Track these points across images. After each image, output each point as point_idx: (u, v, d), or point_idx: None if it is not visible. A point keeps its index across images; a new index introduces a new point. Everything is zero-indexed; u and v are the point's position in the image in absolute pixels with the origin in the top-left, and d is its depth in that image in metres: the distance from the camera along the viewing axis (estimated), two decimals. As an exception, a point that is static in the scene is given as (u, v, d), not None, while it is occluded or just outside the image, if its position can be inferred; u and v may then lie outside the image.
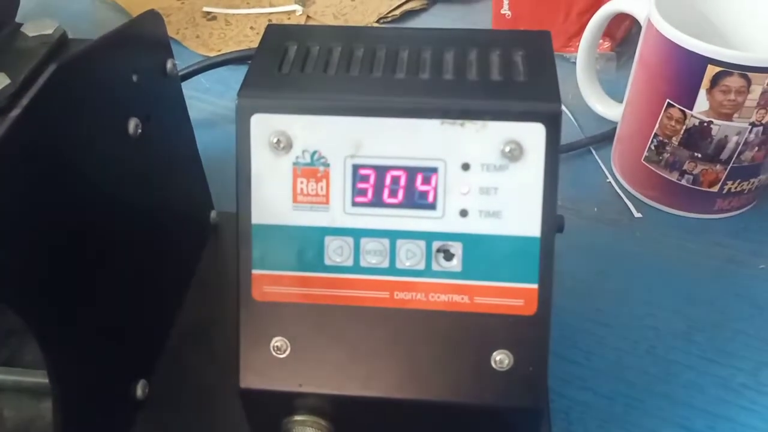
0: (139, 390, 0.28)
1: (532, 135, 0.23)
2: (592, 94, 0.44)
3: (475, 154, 0.23)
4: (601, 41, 0.49)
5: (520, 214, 0.24)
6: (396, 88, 0.24)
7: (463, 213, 0.24)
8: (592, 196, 0.41)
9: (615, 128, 0.42)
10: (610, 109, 0.43)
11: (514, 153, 0.23)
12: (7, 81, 0.26)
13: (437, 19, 0.56)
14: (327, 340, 0.24)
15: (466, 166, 0.24)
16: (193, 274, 0.34)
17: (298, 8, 0.55)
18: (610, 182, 0.42)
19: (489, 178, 0.24)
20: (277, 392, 0.25)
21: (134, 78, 0.27)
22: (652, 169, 0.39)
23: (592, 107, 0.44)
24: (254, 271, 0.24)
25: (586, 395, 0.32)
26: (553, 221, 0.24)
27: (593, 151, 0.44)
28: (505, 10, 0.51)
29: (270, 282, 0.24)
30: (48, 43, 0.29)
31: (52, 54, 0.29)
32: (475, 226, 0.24)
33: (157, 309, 0.31)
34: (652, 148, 0.38)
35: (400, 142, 0.24)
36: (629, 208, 0.40)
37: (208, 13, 0.55)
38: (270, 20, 0.54)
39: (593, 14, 0.42)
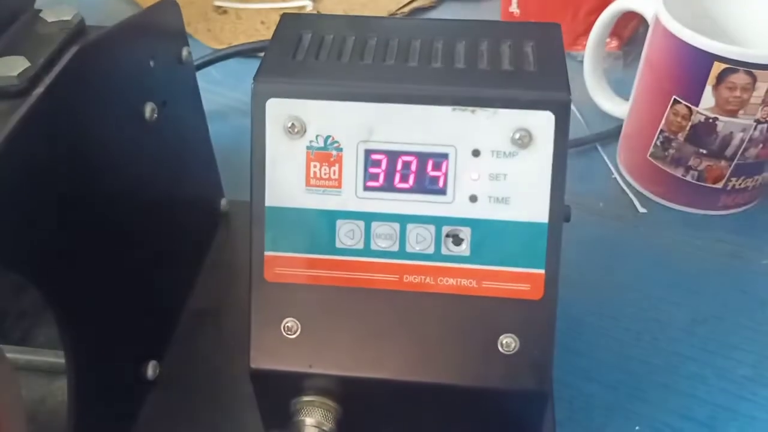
0: (150, 370, 0.29)
1: (542, 123, 0.24)
2: (598, 92, 0.44)
3: (485, 141, 0.24)
4: (608, 40, 0.49)
5: (528, 200, 0.24)
6: (408, 75, 0.25)
7: (473, 198, 0.24)
8: (597, 192, 0.42)
9: (621, 125, 0.43)
10: (616, 107, 0.44)
11: (524, 140, 0.24)
12: (27, 64, 0.27)
13: (445, 16, 0.56)
14: (337, 322, 0.25)
15: (476, 153, 0.24)
16: (203, 259, 0.34)
17: (308, 4, 0.56)
18: (615, 178, 0.42)
19: (499, 165, 0.24)
20: (287, 372, 0.25)
21: (151, 64, 0.28)
22: (658, 165, 0.39)
23: (599, 104, 0.45)
24: (267, 253, 0.25)
25: (590, 385, 0.32)
26: (561, 208, 0.24)
27: (599, 148, 0.44)
28: (514, 8, 0.51)
29: (282, 264, 0.25)
30: (67, 29, 0.29)
31: (70, 39, 0.29)
32: (484, 211, 0.24)
33: (168, 292, 0.32)
34: (658, 144, 0.38)
35: (411, 128, 0.24)
36: (634, 204, 0.41)
37: (220, 7, 0.55)
38: (280, 15, 0.55)
39: (600, 14, 0.42)
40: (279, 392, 0.26)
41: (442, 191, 0.24)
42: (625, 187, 0.42)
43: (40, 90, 0.21)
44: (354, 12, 0.56)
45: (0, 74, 0.26)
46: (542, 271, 0.24)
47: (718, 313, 0.35)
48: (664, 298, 0.36)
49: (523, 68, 0.25)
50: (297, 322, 0.25)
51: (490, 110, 0.24)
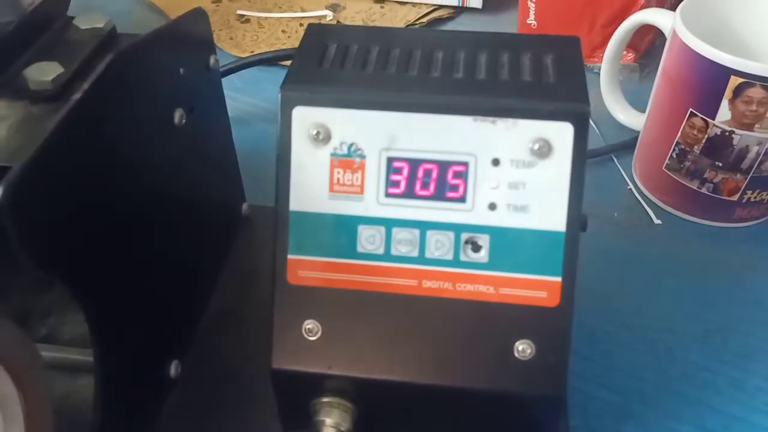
0: (173, 369, 0.30)
1: (561, 134, 0.24)
2: (614, 104, 0.45)
3: (505, 151, 0.25)
4: (624, 52, 0.50)
5: (546, 209, 0.25)
6: (431, 85, 0.25)
7: (492, 206, 0.25)
8: (613, 203, 0.42)
9: (636, 137, 0.43)
10: (632, 118, 0.44)
11: (543, 150, 0.24)
12: (61, 70, 0.28)
13: (463, 27, 0.57)
14: (356, 325, 0.26)
15: (496, 162, 0.25)
16: (225, 262, 0.35)
17: (329, 14, 0.57)
18: (630, 189, 0.43)
19: (518, 174, 0.25)
20: (307, 373, 0.26)
21: (181, 71, 0.29)
22: (673, 176, 0.39)
23: (615, 116, 0.45)
24: (290, 256, 0.26)
25: (604, 392, 0.32)
26: (578, 217, 0.25)
27: (615, 159, 0.45)
28: (531, 20, 0.52)
29: (304, 267, 0.26)
30: (99, 36, 0.31)
31: (102, 46, 0.30)
32: (502, 219, 0.25)
33: (190, 293, 0.32)
34: (674, 156, 0.39)
35: (433, 137, 0.25)
36: (649, 215, 0.41)
37: (242, 16, 0.56)
38: (301, 24, 0.56)
39: (617, 26, 0.43)
40: (298, 392, 0.27)
41: (462, 199, 0.25)
42: (640, 199, 0.42)
43: (77, 96, 0.21)
44: (373, 22, 0.56)
45: (35, 79, 0.27)
46: (559, 279, 0.25)
47: (731, 324, 0.35)
48: (678, 308, 0.36)
49: (542, 80, 0.25)
50: (318, 324, 0.26)
51: (510, 120, 0.24)
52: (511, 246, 0.25)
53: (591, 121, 0.47)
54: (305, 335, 0.26)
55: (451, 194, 0.25)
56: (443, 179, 0.25)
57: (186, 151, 0.30)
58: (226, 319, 0.33)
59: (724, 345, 0.34)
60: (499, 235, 0.25)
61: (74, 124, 0.21)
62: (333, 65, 0.26)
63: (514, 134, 0.24)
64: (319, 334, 0.26)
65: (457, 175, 0.25)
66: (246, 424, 0.30)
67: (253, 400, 0.30)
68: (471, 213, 0.25)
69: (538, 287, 0.25)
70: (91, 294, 0.23)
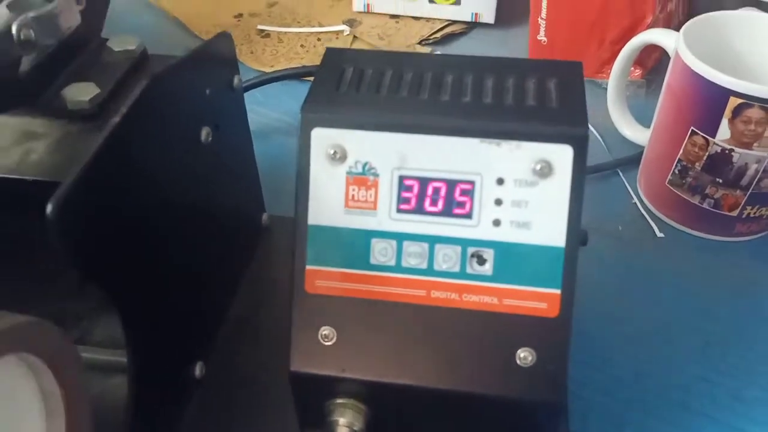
0: (197, 370, 0.32)
1: (561, 155, 0.26)
2: (621, 119, 0.46)
3: (508, 171, 0.26)
4: (632, 69, 0.51)
5: (547, 225, 0.26)
6: (440, 108, 0.27)
7: (496, 223, 0.27)
8: (617, 216, 0.44)
9: (642, 152, 0.45)
10: (637, 134, 0.46)
11: (544, 171, 0.26)
12: (97, 90, 0.30)
13: (476, 42, 0.59)
14: (369, 331, 0.27)
15: (500, 181, 0.26)
16: (245, 270, 0.37)
17: (346, 28, 0.59)
18: (635, 203, 0.44)
19: (521, 193, 0.26)
20: (323, 376, 0.28)
21: (207, 92, 0.31)
22: (676, 192, 0.41)
23: (621, 131, 0.47)
24: (308, 267, 0.27)
25: (604, 399, 0.34)
26: (577, 233, 0.26)
27: (620, 173, 0.46)
28: (541, 37, 0.53)
29: (321, 277, 0.27)
30: (131, 58, 0.33)
31: (135, 67, 0.32)
32: (506, 234, 0.27)
33: (214, 299, 0.34)
34: (676, 172, 0.40)
35: (442, 157, 0.27)
36: (652, 228, 0.42)
37: (262, 30, 0.59)
38: (319, 39, 0.58)
39: (625, 43, 0.44)
40: (314, 394, 0.29)
41: (468, 215, 0.27)
42: (643, 212, 0.43)
43: (116, 119, 0.24)
44: (389, 36, 0.58)
45: (73, 99, 0.29)
46: (558, 291, 0.26)
47: (731, 336, 0.37)
48: (679, 319, 0.37)
49: (545, 104, 0.27)
50: (333, 330, 0.27)
51: (514, 143, 0.26)
52: (514, 260, 0.27)
53: (598, 136, 0.48)
54: (321, 340, 0.27)
55: (458, 211, 0.27)
56: (451, 197, 0.27)
57: (211, 167, 0.32)
58: (247, 324, 0.35)
59: (723, 356, 0.36)
60: (502, 249, 0.27)
61: (114, 144, 0.23)
62: (349, 88, 0.28)
63: (518, 155, 0.26)
64: (334, 340, 0.27)
65: (464, 192, 0.27)
66: (263, 423, 0.32)
67: (271, 401, 0.32)
68: (477, 228, 0.27)
69: (539, 299, 0.27)
70: (126, 300, 0.25)
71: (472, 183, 0.27)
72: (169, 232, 0.29)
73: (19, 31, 0.28)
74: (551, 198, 0.26)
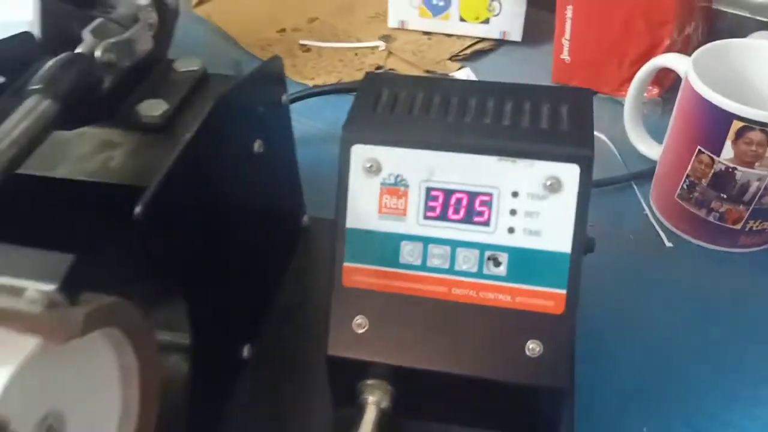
0: (245, 352, 0.36)
1: (569, 173, 0.30)
2: (636, 135, 0.50)
3: (523, 185, 0.30)
4: (650, 88, 0.55)
5: (555, 234, 0.30)
6: (464, 129, 0.31)
7: (511, 230, 0.30)
8: (629, 225, 0.47)
9: (655, 166, 0.48)
10: (651, 149, 0.49)
11: (554, 186, 0.30)
12: (167, 106, 0.34)
13: (503, 59, 0.62)
14: (397, 322, 0.31)
15: (515, 194, 0.30)
16: (288, 265, 0.42)
17: (381, 44, 0.63)
18: (646, 214, 0.47)
19: (533, 204, 0.30)
20: (355, 360, 0.32)
21: (261, 109, 0.35)
22: (684, 205, 0.44)
23: (636, 147, 0.50)
24: (345, 264, 0.32)
25: (608, 391, 0.37)
26: (582, 241, 0.30)
27: (634, 186, 0.49)
28: (565, 56, 0.57)
29: (357, 273, 0.32)
30: (194, 77, 0.37)
31: (197, 85, 0.37)
32: (519, 241, 0.30)
33: (261, 289, 0.39)
34: (684, 187, 0.43)
35: (464, 172, 0.30)
36: (662, 238, 0.46)
37: (304, 45, 0.63)
38: (356, 54, 0.62)
39: (643, 64, 0.48)
40: (347, 375, 0.33)
41: (486, 223, 0.31)
42: (654, 223, 0.47)
43: (189, 135, 0.28)
44: (421, 52, 0.62)
45: (146, 114, 0.34)
46: (564, 291, 0.30)
47: (730, 339, 0.40)
48: (682, 322, 0.41)
49: (557, 127, 0.31)
50: (366, 319, 0.31)
51: (528, 161, 0.30)
52: (525, 263, 0.30)
53: (615, 150, 0.52)
54: (355, 329, 0.32)
55: (477, 219, 0.31)
56: (471, 206, 0.31)
57: (261, 174, 0.36)
58: (288, 313, 0.39)
59: (720, 357, 0.39)
60: (516, 253, 0.30)
61: (187, 155, 0.28)
62: (385, 110, 0.32)
63: (531, 172, 0.30)
64: (366, 328, 0.31)
65: (483, 203, 0.31)
66: (301, 401, 0.36)
67: (308, 381, 0.36)
68: (493, 235, 0.31)
69: (547, 297, 0.30)
70: (192, 289, 0.30)
71: (490, 195, 0.30)
72: (228, 231, 0.33)
73: (102, 54, 0.33)
74: (559, 210, 0.30)
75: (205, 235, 0.31)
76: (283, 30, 0.65)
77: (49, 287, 0.22)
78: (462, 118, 0.32)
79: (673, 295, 0.42)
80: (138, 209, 0.25)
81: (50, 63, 0.30)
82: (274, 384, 0.37)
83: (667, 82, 0.55)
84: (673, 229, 0.46)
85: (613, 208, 0.48)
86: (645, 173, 0.49)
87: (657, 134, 0.50)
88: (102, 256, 0.33)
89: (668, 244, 0.45)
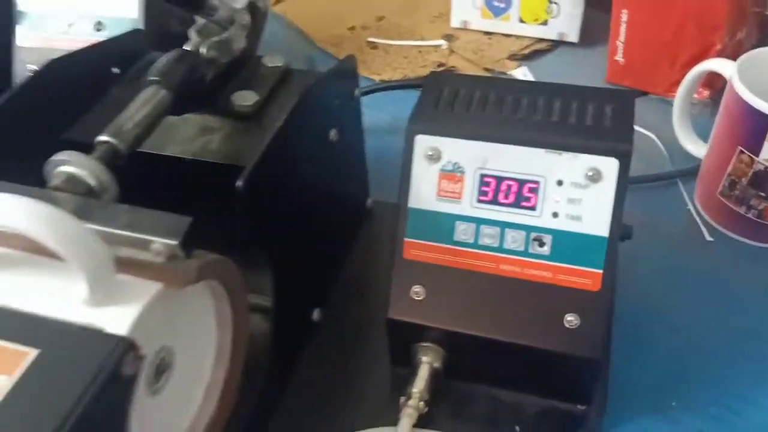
0: (316, 315, 0.41)
1: (609, 166, 0.33)
2: (684, 135, 0.52)
3: (567, 175, 0.34)
4: (701, 90, 0.57)
5: (594, 219, 0.34)
6: (516, 124, 0.35)
7: (555, 215, 0.34)
8: (673, 220, 0.50)
9: (700, 164, 0.51)
10: (698, 148, 0.52)
11: (595, 177, 0.33)
12: (257, 97, 0.40)
13: (559, 59, 0.65)
14: (450, 292, 0.36)
15: (560, 183, 0.34)
16: (353, 242, 0.46)
17: (444, 43, 0.67)
18: (689, 210, 0.50)
19: (575, 192, 0.34)
20: (412, 324, 0.36)
21: (336, 102, 0.40)
22: (725, 202, 0.47)
23: (683, 146, 0.53)
24: (406, 239, 0.36)
25: (643, 368, 0.40)
26: (618, 226, 0.34)
27: (679, 182, 0.52)
28: (619, 57, 0.60)
29: (416, 247, 0.36)
30: (279, 72, 0.42)
31: (282, 79, 0.42)
32: (562, 224, 0.34)
33: (330, 261, 0.44)
34: (726, 185, 0.46)
35: (514, 161, 0.35)
36: (703, 233, 0.48)
37: (371, 42, 0.68)
38: (420, 51, 0.66)
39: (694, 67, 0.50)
40: (404, 338, 0.37)
41: (533, 208, 0.35)
42: (697, 218, 0.49)
43: (279, 123, 0.33)
44: (482, 51, 0.66)
45: (240, 103, 0.39)
46: (601, 271, 0.34)
47: (762, 328, 0.42)
48: (718, 311, 0.43)
49: (600, 124, 0.35)
50: (423, 288, 0.36)
51: (572, 154, 0.34)
52: (567, 244, 0.34)
53: (663, 148, 0.55)
54: (413, 296, 0.36)
55: (525, 204, 0.35)
56: (520, 193, 0.35)
57: (334, 159, 0.41)
58: (353, 282, 0.44)
59: (753, 345, 0.42)
60: (559, 235, 0.34)
61: (278, 140, 0.33)
62: (446, 106, 0.37)
63: (575, 164, 0.34)
64: (423, 296, 0.36)
65: (530, 190, 0.35)
66: (363, 360, 0.41)
67: (370, 342, 0.41)
68: (539, 218, 0.35)
69: (585, 276, 0.34)
70: (277, 258, 0.35)
71: (537, 183, 0.34)
72: (306, 208, 0.38)
73: (206, 51, 0.38)
74: (599, 198, 0.34)
75: (289, 210, 0.36)
76: (352, 28, 0.70)
77: (172, 242, 0.27)
78: (514, 114, 0.36)
79: (711, 286, 0.45)
80: (239, 182, 0.30)
81: (164, 58, 0.36)
82: (339, 344, 0.41)
83: (718, 84, 0.57)
84: (715, 225, 0.48)
85: (659, 203, 0.51)
86: (690, 171, 0.52)
87: (705, 134, 0.52)
88: (203, 224, 0.38)
89: (709, 238, 0.48)
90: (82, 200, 0.29)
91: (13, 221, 0.25)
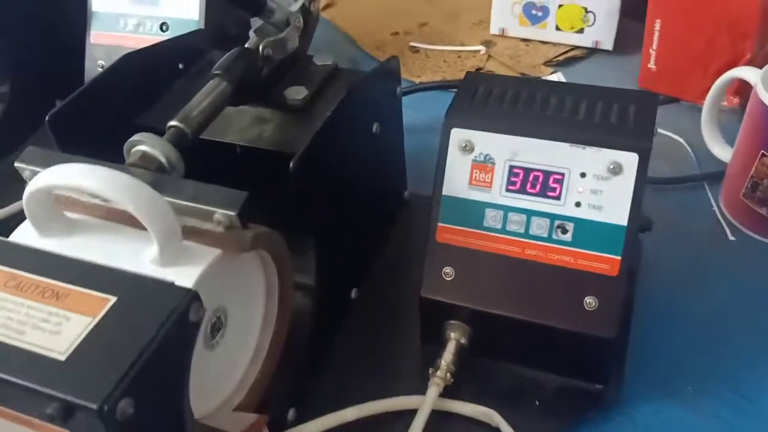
0: (354, 293, 0.44)
1: (630, 160, 0.36)
2: (711, 139, 0.54)
3: (590, 168, 0.37)
4: (731, 98, 0.59)
5: (615, 209, 0.36)
6: (544, 121, 0.38)
7: (578, 204, 0.37)
8: (699, 220, 0.52)
9: (725, 169, 0.52)
10: (724, 153, 0.53)
11: (616, 170, 0.36)
12: (307, 92, 0.43)
13: (594, 66, 0.68)
14: (479, 273, 0.39)
15: (583, 175, 0.37)
16: (391, 230, 0.50)
17: (482, 48, 0.70)
18: (714, 210, 0.52)
19: (597, 184, 0.37)
20: (443, 302, 0.39)
21: (379, 98, 0.43)
22: (748, 203, 0.49)
23: (711, 150, 0.54)
24: (440, 224, 0.39)
25: (662, 354, 0.42)
26: (637, 216, 0.36)
27: (706, 185, 0.54)
28: (651, 65, 0.62)
29: (448, 232, 0.39)
30: (328, 70, 0.46)
31: (330, 76, 0.46)
32: (584, 213, 0.37)
33: (368, 246, 0.47)
34: (749, 186, 0.48)
35: (542, 154, 0.37)
36: (726, 232, 0.50)
37: (413, 47, 0.71)
38: (459, 56, 0.69)
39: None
40: (435, 315, 0.40)
41: (558, 198, 0.37)
42: (721, 219, 0.51)
43: (328, 113, 0.37)
44: (518, 56, 0.69)
45: (292, 97, 0.43)
46: (619, 257, 0.37)
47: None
48: (736, 305, 0.45)
49: (623, 122, 0.37)
50: (453, 270, 0.39)
51: (596, 148, 0.37)
52: (588, 232, 0.37)
53: (691, 152, 0.57)
54: (444, 277, 0.39)
55: (550, 194, 0.38)
56: (546, 183, 0.38)
57: (376, 151, 0.45)
58: (387, 268, 0.48)
59: (763, 334, 0.43)
60: (581, 224, 0.37)
61: (326, 129, 0.36)
62: (480, 102, 0.40)
63: (597, 157, 0.37)
64: (453, 277, 0.39)
65: (555, 181, 0.37)
66: (395, 335, 0.44)
67: (402, 320, 0.44)
68: (563, 207, 0.37)
69: (605, 262, 0.37)
70: (321, 238, 0.38)
71: (562, 174, 0.37)
72: (349, 193, 0.42)
73: (263, 49, 0.42)
74: (619, 190, 0.36)
75: (334, 194, 0.39)
76: (396, 33, 0.74)
77: (231, 213, 0.31)
78: (544, 112, 0.39)
79: (731, 282, 0.47)
80: (292, 165, 0.34)
81: (227, 55, 0.40)
82: (374, 321, 0.45)
83: (747, 93, 0.59)
84: (737, 225, 0.50)
85: (686, 203, 0.53)
86: (717, 174, 0.54)
87: (733, 140, 0.54)
88: (255, 207, 0.42)
89: (731, 237, 0.50)
90: (154, 175, 0.33)
91: (102, 190, 0.29)
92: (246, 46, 0.42)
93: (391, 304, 0.45)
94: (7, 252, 0.30)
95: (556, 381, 0.40)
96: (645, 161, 0.36)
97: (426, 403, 0.38)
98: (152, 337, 0.26)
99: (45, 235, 0.32)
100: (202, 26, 0.55)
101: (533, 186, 0.38)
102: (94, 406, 0.24)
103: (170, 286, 0.28)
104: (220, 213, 0.31)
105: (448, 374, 0.39)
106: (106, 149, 0.34)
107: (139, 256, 0.31)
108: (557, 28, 0.69)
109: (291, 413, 0.39)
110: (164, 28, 0.56)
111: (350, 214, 0.43)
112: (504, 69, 0.67)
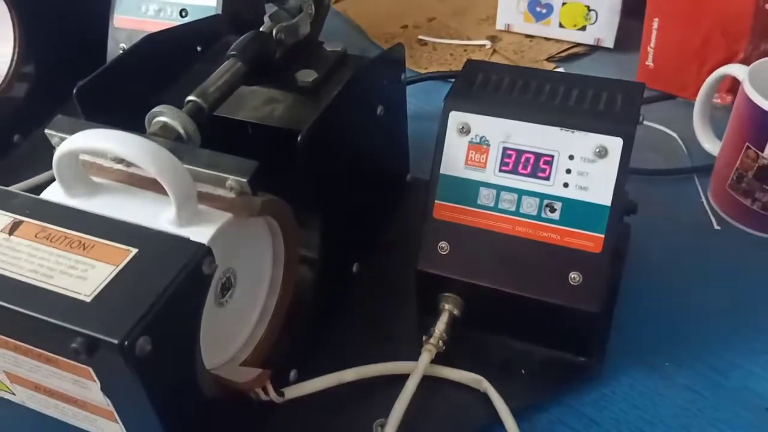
0: (355, 268, 0.47)
1: (614, 144, 0.39)
2: (702, 133, 0.57)
3: (577, 150, 0.39)
4: (725, 95, 0.61)
5: (600, 190, 0.39)
6: (537, 106, 0.41)
7: (566, 185, 0.40)
8: (687, 210, 0.54)
9: (714, 162, 0.55)
10: (714, 147, 0.56)
11: (602, 153, 0.39)
12: (316, 75, 0.46)
13: (594, 62, 0.70)
14: (472, 248, 0.41)
15: (571, 157, 0.39)
16: (393, 211, 0.52)
17: (488, 43, 0.72)
18: (702, 201, 0.54)
19: (584, 166, 0.39)
20: (438, 275, 0.42)
21: (384, 82, 0.46)
22: (733, 194, 0.51)
23: (702, 144, 0.57)
24: (437, 201, 0.42)
25: (644, 333, 0.45)
26: (620, 198, 0.39)
27: (695, 177, 0.56)
28: (649, 62, 0.64)
29: (444, 209, 0.42)
30: (337, 55, 0.49)
31: (339, 62, 0.48)
32: (571, 193, 0.40)
33: (370, 223, 0.50)
34: (734, 178, 0.50)
35: (533, 137, 0.40)
36: (712, 222, 0.53)
37: (421, 40, 0.74)
38: (465, 50, 0.72)
39: (716, 72, 0.55)
40: (430, 288, 0.43)
41: (547, 178, 0.40)
42: (708, 209, 0.54)
43: (334, 93, 0.39)
44: (522, 52, 0.71)
45: (302, 80, 0.46)
46: (602, 235, 0.39)
47: (758, 308, 0.47)
48: (718, 290, 0.48)
49: (611, 109, 0.40)
50: (448, 244, 0.42)
51: (583, 132, 0.39)
52: (574, 211, 0.39)
53: (683, 146, 0.59)
54: (439, 251, 0.42)
55: (540, 174, 0.40)
56: (537, 164, 0.40)
57: (380, 133, 0.47)
58: (387, 246, 0.50)
59: (745, 320, 0.46)
60: (568, 203, 0.40)
61: (331, 109, 0.39)
62: (478, 88, 0.42)
63: (585, 141, 0.39)
64: (447, 251, 0.42)
65: (545, 162, 0.40)
66: (394, 307, 0.47)
67: (400, 294, 0.46)
68: (552, 187, 0.40)
69: (589, 239, 0.39)
70: (326, 212, 0.41)
71: (552, 156, 0.40)
72: (353, 171, 0.44)
73: (276, 34, 0.45)
74: (604, 172, 0.39)
75: (338, 171, 0.42)
76: (405, 26, 0.77)
77: (242, 179, 0.34)
78: (537, 98, 0.41)
79: (713, 268, 0.49)
80: (299, 139, 0.37)
81: (242, 37, 0.43)
82: (374, 295, 0.47)
83: (740, 90, 0.61)
84: (723, 215, 0.53)
85: (675, 194, 0.56)
86: (706, 167, 0.56)
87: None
88: (266, 179, 0.45)
89: (717, 227, 0.52)
90: (173, 144, 0.36)
91: (127, 153, 0.31)
92: (260, 30, 0.44)
93: (391, 279, 0.48)
94: (39, 208, 0.33)
95: (543, 353, 0.43)
96: (629, 145, 0.38)
97: (418, 367, 0.41)
98: (169, 283, 0.29)
99: (72, 195, 0.35)
100: (219, 12, 0.58)
101: (525, 167, 0.40)
102: (116, 341, 0.27)
103: (186, 241, 0.31)
104: (232, 179, 0.34)
105: (441, 342, 0.41)
106: (127, 123, 0.37)
107: (157, 216, 0.33)
108: (560, 26, 0.71)
109: (293, 374, 0.41)
110: (184, 13, 0.59)
111: (354, 191, 0.45)
112: (508, 63, 0.70)
